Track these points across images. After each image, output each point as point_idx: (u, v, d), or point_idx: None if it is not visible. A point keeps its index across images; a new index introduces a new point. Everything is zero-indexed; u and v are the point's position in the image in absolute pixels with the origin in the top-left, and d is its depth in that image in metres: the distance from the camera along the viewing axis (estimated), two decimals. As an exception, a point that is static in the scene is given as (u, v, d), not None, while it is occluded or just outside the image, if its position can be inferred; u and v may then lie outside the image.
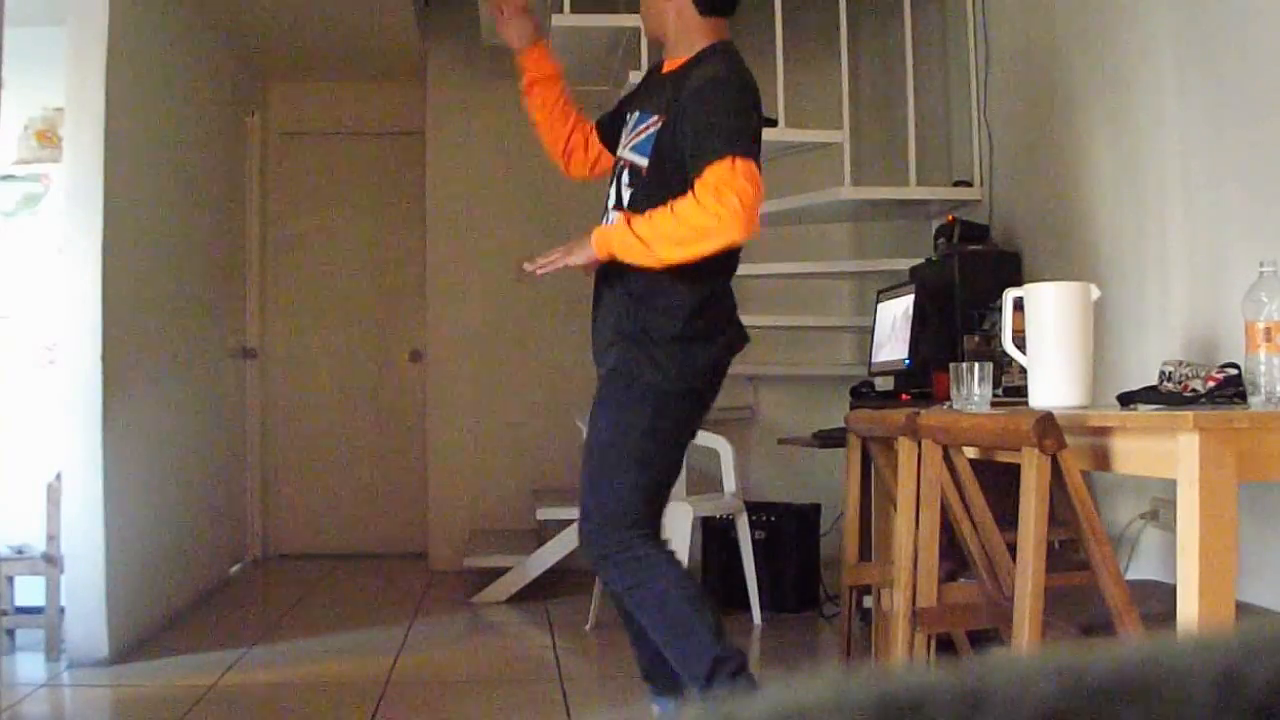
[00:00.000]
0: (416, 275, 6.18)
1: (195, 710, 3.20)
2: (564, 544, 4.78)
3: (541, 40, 2.98)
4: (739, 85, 2.61)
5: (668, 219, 2.52)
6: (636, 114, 2.74)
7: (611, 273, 2.67)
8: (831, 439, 3.94)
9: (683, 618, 2.54)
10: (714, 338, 2.65)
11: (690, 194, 2.50)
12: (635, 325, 2.62)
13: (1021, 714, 0.25)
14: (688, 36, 2.69)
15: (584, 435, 4.60)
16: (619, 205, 2.69)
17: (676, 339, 2.60)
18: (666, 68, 2.76)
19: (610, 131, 2.91)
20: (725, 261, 2.66)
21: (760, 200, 2.51)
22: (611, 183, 2.76)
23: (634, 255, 2.55)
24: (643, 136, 2.68)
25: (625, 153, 2.72)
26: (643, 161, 2.65)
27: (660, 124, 2.63)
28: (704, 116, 2.55)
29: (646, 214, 2.55)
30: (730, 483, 4.56)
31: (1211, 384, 2.23)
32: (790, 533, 4.56)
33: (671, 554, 2.61)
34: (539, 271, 2.64)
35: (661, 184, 2.59)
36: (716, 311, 2.67)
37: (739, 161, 2.47)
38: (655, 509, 2.64)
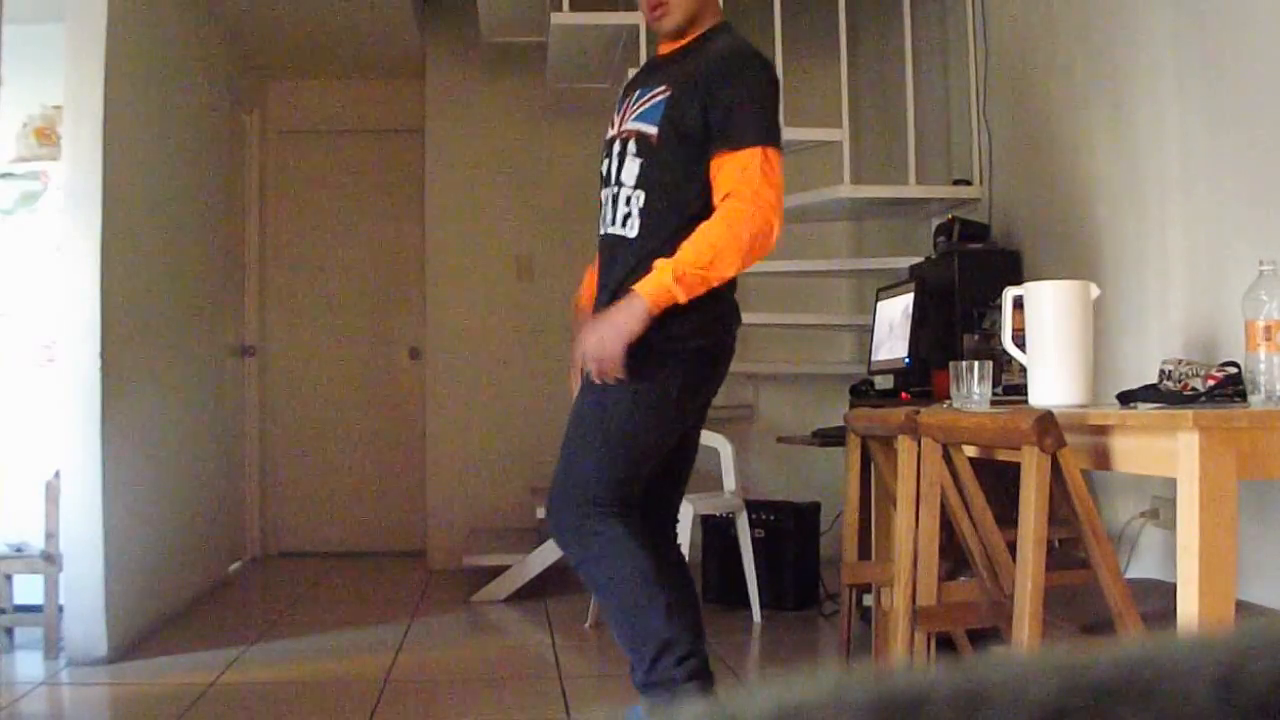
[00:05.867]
0: (415, 273, 6.18)
1: (194, 709, 3.19)
2: (563, 542, 4.78)
3: None
4: (767, 70, 2.61)
5: (720, 233, 2.47)
6: (637, 91, 2.69)
7: (614, 279, 2.62)
8: (831, 437, 3.95)
9: (631, 596, 2.50)
10: (708, 324, 2.59)
11: (727, 202, 2.49)
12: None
13: (1021, 714, 0.25)
14: (703, 13, 2.67)
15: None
16: (619, 181, 2.62)
17: (684, 330, 2.54)
18: (666, 50, 2.72)
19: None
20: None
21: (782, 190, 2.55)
22: (608, 160, 2.69)
23: (697, 288, 2.47)
24: (648, 105, 2.61)
25: (631, 123, 2.64)
26: (652, 130, 2.59)
27: (668, 93, 2.59)
28: (737, 93, 2.53)
29: (684, 246, 2.48)
30: (730, 481, 4.56)
31: (1211, 382, 2.23)
32: (790, 531, 4.56)
33: (634, 533, 2.53)
34: (608, 380, 2.50)
35: (674, 153, 2.56)
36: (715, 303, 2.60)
37: (771, 153, 2.50)
38: (624, 491, 2.56)
